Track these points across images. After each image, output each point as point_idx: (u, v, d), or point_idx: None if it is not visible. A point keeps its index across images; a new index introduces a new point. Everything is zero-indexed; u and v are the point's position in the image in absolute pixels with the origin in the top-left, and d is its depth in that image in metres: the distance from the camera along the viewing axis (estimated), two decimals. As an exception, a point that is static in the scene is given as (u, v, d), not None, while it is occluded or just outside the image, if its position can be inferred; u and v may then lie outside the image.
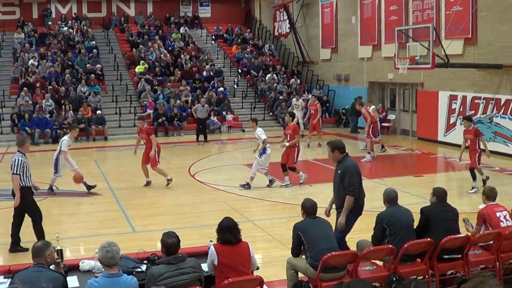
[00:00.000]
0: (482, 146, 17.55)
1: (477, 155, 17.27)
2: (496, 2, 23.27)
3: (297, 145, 17.86)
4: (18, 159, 11.70)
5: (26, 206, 11.94)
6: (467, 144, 17.71)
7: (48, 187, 17.28)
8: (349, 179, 9.67)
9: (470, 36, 24.51)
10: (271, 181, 17.91)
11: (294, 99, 31.24)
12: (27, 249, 11.67)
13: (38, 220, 12.01)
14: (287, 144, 17.80)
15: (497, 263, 9.41)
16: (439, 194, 9.64)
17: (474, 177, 17.07)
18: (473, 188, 17.03)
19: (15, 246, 12.00)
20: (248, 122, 32.39)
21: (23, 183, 11.74)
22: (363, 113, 23.11)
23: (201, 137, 28.69)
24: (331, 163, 20.30)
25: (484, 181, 17.35)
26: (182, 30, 42.69)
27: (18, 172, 11.64)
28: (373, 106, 24.15)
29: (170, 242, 7.38)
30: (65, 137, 17.38)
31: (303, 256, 8.73)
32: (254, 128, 17.98)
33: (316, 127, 26.46)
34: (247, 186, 17.51)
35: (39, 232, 11.87)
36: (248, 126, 31.75)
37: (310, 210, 8.88)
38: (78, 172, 17.04)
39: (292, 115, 18.86)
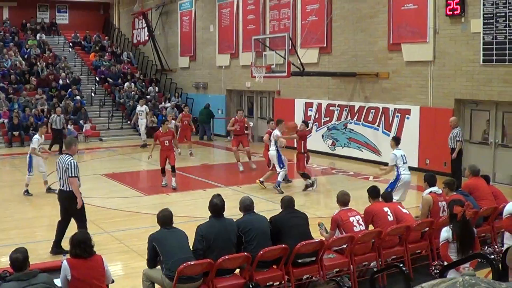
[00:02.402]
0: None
1: (304, 159, 18.40)
2: (349, 12, 23.97)
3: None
4: (74, 162, 11.73)
5: (76, 209, 11.87)
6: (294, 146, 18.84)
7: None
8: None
9: (325, 45, 25.15)
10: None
11: (138, 105, 30.35)
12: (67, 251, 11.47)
13: (84, 224, 11.82)
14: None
15: (351, 266, 9.65)
16: (285, 203, 9.86)
17: (307, 177, 17.92)
18: (307, 186, 17.97)
19: (58, 248, 11.85)
20: (105, 131, 32.01)
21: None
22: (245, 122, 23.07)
23: (56, 147, 27.75)
24: (191, 172, 20.36)
25: (307, 186, 18.16)
26: (38, 36, 41.38)
27: (76, 175, 11.66)
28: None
29: (14, 258, 7.02)
30: (36, 135, 18.17)
31: (160, 267, 8.61)
32: None
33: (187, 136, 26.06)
34: None
35: None
36: (106, 136, 31.27)
37: (164, 220, 8.79)
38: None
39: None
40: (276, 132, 18.18)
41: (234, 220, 9.36)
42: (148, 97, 35.73)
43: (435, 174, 12.42)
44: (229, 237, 8.91)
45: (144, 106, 29.94)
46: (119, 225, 14.48)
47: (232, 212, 11.16)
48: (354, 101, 24.14)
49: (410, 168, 21.11)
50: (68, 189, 11.76)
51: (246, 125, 22.72)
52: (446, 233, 8.93)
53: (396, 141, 15.33)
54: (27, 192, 17.93)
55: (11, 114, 30.22)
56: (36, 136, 18.20)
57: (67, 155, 11.85)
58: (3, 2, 43.33)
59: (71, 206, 11.88)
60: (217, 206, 9.09)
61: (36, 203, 17.13)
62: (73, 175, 11.64)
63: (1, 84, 33.30)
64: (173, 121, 24.40)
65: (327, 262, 9.51)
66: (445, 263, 8.88)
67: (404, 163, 14.70)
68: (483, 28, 18.79)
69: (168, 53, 38.92)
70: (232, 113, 32.23)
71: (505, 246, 9.50)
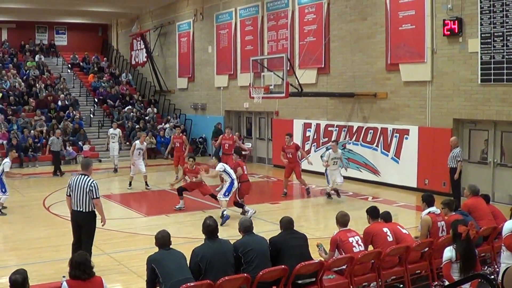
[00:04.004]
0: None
1: (299, 167, 20.94)
2: (347, 33, 24.06)
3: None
4: (96, 183, 11.78)
5: (92, 228, 12.02)
6: (289, 156, 20.96)
7: None
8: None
9: (323, 65, 25.22)
10: None
11: (111, 129, 29.16)
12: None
13: (90, 246, 11.91)
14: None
15: (351, 287, 9.60)
16: (284, 224, 9.84)
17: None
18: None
19: None
20: (104, 152, 31.87)
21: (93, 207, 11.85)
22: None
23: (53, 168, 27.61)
24: (189, 193, 20.31)
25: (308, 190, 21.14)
26: (37, 58, 41.53)
27: (99, 196, 11.82)
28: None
29: (13, 279, 7.02)
30: (6, 159, 18.84)
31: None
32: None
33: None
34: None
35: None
36: (105, 157, 31.08)
37: (162, 242, 8.76)
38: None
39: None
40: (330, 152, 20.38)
41: (232, 241, 9.35)
42: (146, 118, 35.79)
43: (434, 194, 12.42)
44: (226, 258, 8.88)
45: (118, 129, 28.96)
46: (118, 246, 14.42)
47: (231, 233, 11.15)
48: (352, 121, 24.16)
49: (409, 188, 21.29)
50: (87, 210, 11.73)
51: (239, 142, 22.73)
52: (449, 252, 8.90)
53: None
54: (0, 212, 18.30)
55: (10, 135, 30.20)
56: (7, 160, 18.79)
57: (86, 176, 11.77)
58: (1, 24, 43.61)
59: (86, 227, 11.88)
60: (210, 227, 9.08)
61: (34, 224, 17.05)
62: (97, 196, 11.70)
63: (0, 106, 33.29)
64: (144, 143, 23.63)
65: (327, 282, 9.46)
66: (446, 283, 8.85)
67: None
68: (481, 47, 18.85)
69: (166, 74, 39.02)
70: (230, 134, 32.29)
71: (503, 266, 9.46)
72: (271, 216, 16.94)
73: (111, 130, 28.87)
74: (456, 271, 8.80)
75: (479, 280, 8.71)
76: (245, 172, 18.16)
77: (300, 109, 27.02)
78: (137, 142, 23.29)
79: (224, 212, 16.62)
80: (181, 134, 25.05)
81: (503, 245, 9.62)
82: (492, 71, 18.63)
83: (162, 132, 33.77)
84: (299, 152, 21.14)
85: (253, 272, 8.68)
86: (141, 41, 41.18)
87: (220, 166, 17.44)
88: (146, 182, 22.76)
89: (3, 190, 18.32)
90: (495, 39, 18.46)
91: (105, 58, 45.30)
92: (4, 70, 37.60)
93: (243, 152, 22.51)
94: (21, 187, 21.84)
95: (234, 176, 17.31)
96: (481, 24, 18.80)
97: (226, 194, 17.08)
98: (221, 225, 15.54)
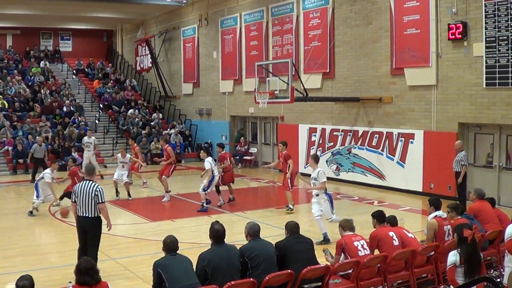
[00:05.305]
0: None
1: (286, 179, 19.25)
2: (352, 37, 24.07)
3: None
4: (102, 188, 11.84)
5: (98, 234, 12.01)
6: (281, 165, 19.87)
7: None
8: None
9: (328, 70, 25.22)
10: None
11: (85, 137, 28.31)
12: None
13: (96, 251, 11.89)
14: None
15: (357, 291, 9.61)
16: (290, 228, 9.85)
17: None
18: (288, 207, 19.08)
19: None
20: (110, 158, 31.83)
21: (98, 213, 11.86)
22: (169, 151, 21.82)
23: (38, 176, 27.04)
24: (195, 198, 20.34)
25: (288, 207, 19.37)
26: (42, 64, 41.58)
27: (105, 200, 11.86)
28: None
29: (21, 285, 7.05)
30: (48, 170, 19.50)
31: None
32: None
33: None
34: None
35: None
36: (110, 162, 31.06)
37: (170, 247, 8.75)
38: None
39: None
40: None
41: (238, 246, 9.35)
42: (152, 123, 35.80)
43: (440, 198, 12.40)
44: (232, 263, 8.87)
45: (92, 137, 28.08)
46: (123, 252, 14.42)
47: (236, 238, 11.14)
48: (357, 126, 24.17)
49: (415, 192, 21.27)
50: (93, 216, 11.71)
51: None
52: (454, 257, 8.90)
53: (206, 150, 20.11)
54: (31, 213, 18.74)
55: (15, 141, 30.21)
56: (48, 171, 19.32)
57: (91, 182, 11.79)
58: (6, 30, 43.67)
59: (92, 232, 11.87)
60: (219, 232, 9.06)
61: (41, 230, 17.10)
62: (103, 201, 11.72)
63: (5, 112, 33.32)
64: (127, 156, 22.87)
65: (333, 287, 9.46)
66: (451, 287, 8.84)
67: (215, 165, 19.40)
68: (486, 51, 18.85)
69: (171, 80, 39.06)
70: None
71: (507, 270, 9.47)
72: (276, 221, 16.93)
73: (85, 139, 28.03)
74: (460, 275, 8.79)
75: (485, 283, 8.70)
76: (229, 163, 20.25)
77: (305, 114, 27.02)
78: (119, 155, 22.98)
79: (204, 204, 19.27)
80: (135, 145, 25.28)
81: (506, 249, 9.62)
82: (497, 75, 18.62)
83: (167, 138, 33.73)
84: (288, 162, 19.22)
85: (260, 277, 8.68)
86: (146, 47, 41.20)
87: (208, 164, 18.97)
88: (116, 189, 22.41)
89: (37, 195, 18.91)
90: (500, 43, 18.45)
91: (110, 64, 45.37)
92: (9, 76, 37.67)
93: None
94: (27, 193, 21.84)
95: (216, 172, 19.28)
96: (486, 28, 18.80)
97: (206, 189, 19.08)
98: (198, 211, 19.01)
